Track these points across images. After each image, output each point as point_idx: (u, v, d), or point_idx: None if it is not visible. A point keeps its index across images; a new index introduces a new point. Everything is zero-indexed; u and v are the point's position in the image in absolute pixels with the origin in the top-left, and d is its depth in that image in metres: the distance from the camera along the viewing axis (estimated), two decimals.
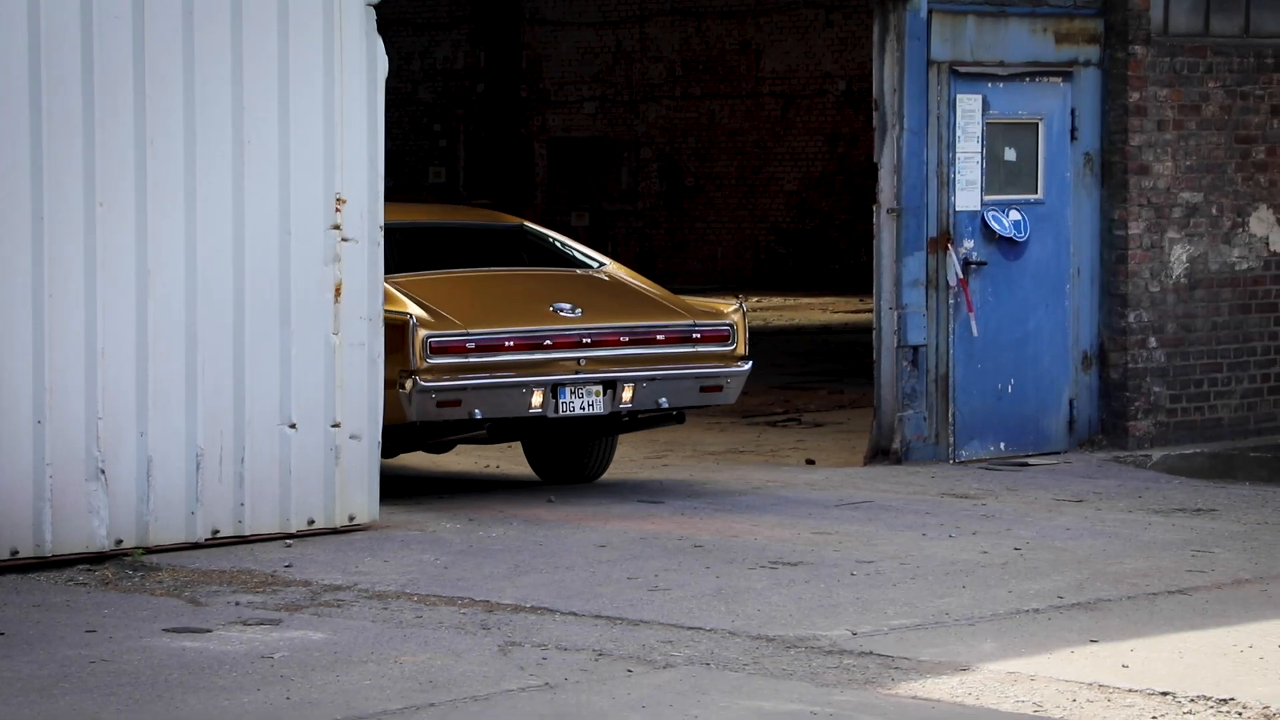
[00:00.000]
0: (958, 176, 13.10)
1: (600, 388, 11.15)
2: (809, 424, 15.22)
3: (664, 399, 11.33)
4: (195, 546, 10.00)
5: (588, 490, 11.97)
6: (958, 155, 13.10)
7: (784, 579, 9.45)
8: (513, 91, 28.79)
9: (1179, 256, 13.85)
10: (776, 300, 26.62)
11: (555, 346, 11.09)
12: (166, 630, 8.37)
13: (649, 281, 12.08)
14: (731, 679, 7.68)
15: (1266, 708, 7.24)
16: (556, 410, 11.03)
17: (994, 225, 13.23)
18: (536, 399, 10.98)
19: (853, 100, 27.01)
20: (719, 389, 11.54)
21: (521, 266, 12.11)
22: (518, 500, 11.63)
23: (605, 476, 12.25)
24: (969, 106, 13.11)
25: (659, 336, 11.37)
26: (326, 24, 10.34)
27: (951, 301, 13.08)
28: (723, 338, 11.55)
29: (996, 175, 13.29)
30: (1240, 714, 7.20)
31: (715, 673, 7.78)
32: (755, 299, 25.34)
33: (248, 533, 10.17)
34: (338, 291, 10.42)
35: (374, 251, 10.54)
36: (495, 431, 11.29)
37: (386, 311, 10.70)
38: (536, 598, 9.00)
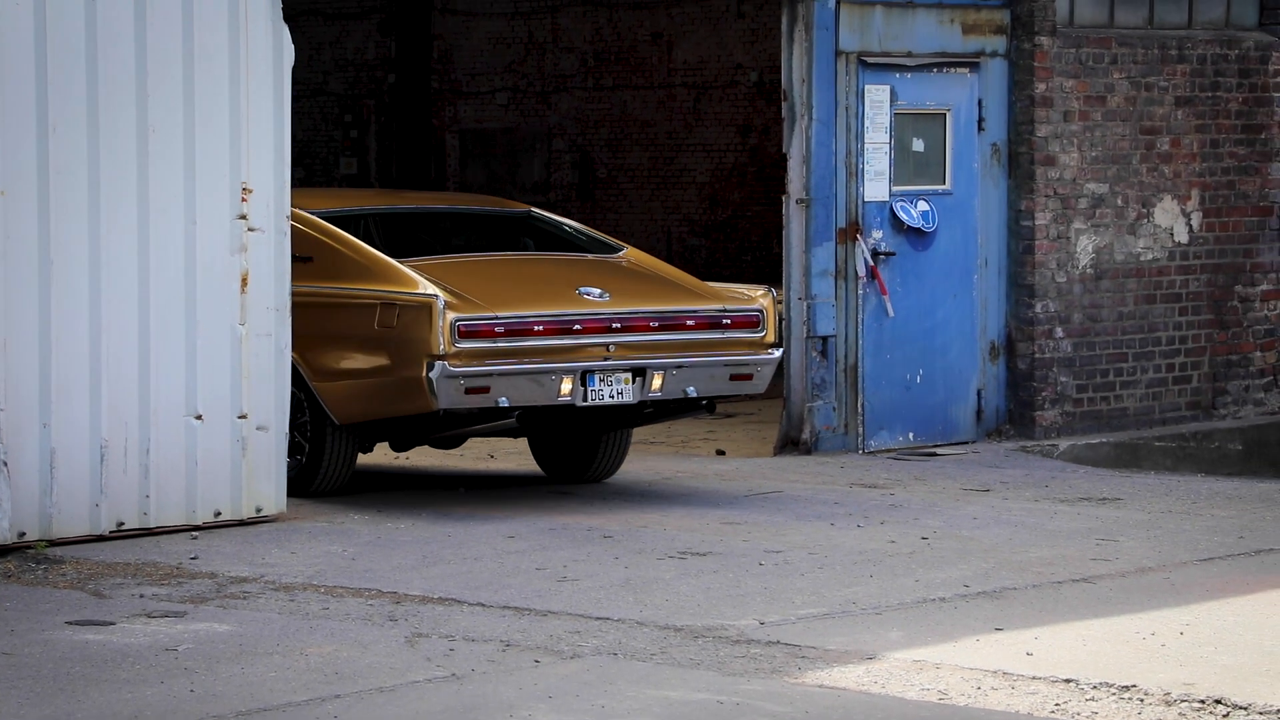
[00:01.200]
0: (866, 167, 13.16)
1: (629, 375, 10.67)
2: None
3: (692, 387, 10.85)
4: (100, 539, 9.91)
5: (497, 482, 11.94)
6: (866, 146, 13.15)
7: (692, 569, 9.46)
8: (424, 82, 28.72)
9: (1085, 247, 13.95)
10: None
11: (585, 331, 10.61)
12: (69, 623, 8.29)
13: (670, 267, 11.64)
14: (639, 669, 7.68)
15: (1168, 694, 7.31)
16: (585, 398, 10.57)
17: (902, 216, 13.28)
18: (566, 386, 10.50)
19: (765, 91, 27.06)
20: (749, 377, 11.02)
21: (538, 251, 11.67)
22: (427, 492, 11.59)
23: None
24: (877, 97, 13.16)
25: (689, 322, 10.89)
26: (232, 12, 10.27)
27: (861, 292, 13.13)
28: (753, 324, 11.07)
29: (905, 166, 13.36)
30: (1142, 700, 7.26)
31: (623, 662, 7.77)
32: None
33: (153, 525, 10.09)
34: (244, 281, 10.35)
35: (280, 241, 10.47)
36: (523, 421, 10.79)
37: (407, 294, 10.38)
38: (444, 589, 8.98)
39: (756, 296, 11.20)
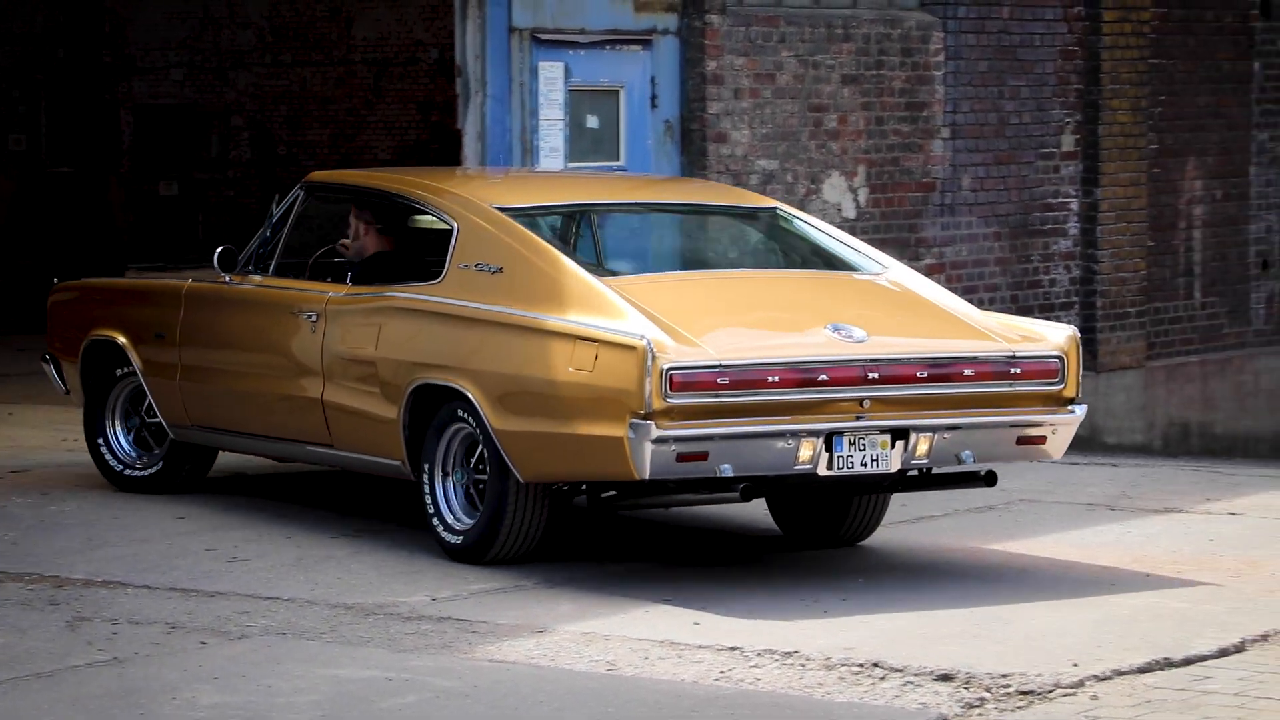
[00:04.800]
0: (541, 143, 13.19)
1: (888, 438, 8.48)
2: None
3: (969, 453, 8.60)
4: None
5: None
6: (541, 122, 13.19)
7: (366, 547, 9.42)
8: (96, 56, 28.08)
9: None
10: None
11: (832, 383, 8.40)
12: None
13: (942, 291, 9.37)
14: (308, 648, 7.63)
15: (828, 658, 7.48)
16: (830, 466, 8.43)
17: None
18: (805, 452, 8.36)
19: (445, 68, 26.97)
20: (1041, 440, 8.74)
21: (779, 268, 9.66)
22: (96, 473, 11.35)
23: None
24: (551, 74, 13.20)
25: (967, 371, 8.63)
26: None
27: None
28: (1050, 374, 8.74)
29: (580, 142, 13.42)
30: (804, 665, 7.42)
31: (291, 642, 7.72)
32: None
33: None
34: None
35: None
36: (750, 493, 8.64)
37: (607, 331, 8.34)
38: (109, 572, 8.82)
39: (1055, 338, 8.86)
